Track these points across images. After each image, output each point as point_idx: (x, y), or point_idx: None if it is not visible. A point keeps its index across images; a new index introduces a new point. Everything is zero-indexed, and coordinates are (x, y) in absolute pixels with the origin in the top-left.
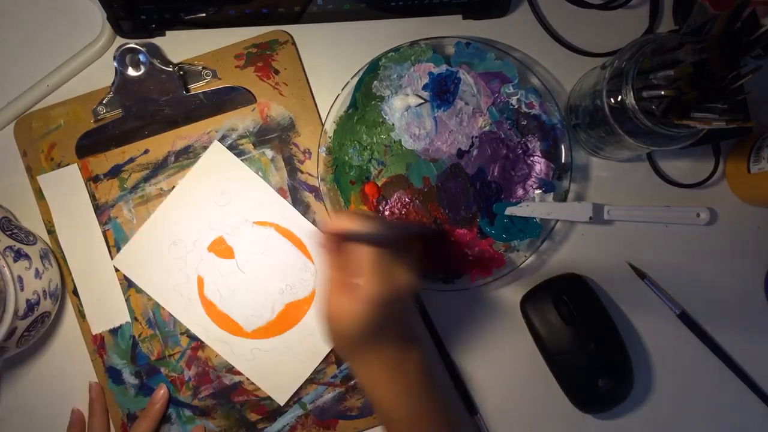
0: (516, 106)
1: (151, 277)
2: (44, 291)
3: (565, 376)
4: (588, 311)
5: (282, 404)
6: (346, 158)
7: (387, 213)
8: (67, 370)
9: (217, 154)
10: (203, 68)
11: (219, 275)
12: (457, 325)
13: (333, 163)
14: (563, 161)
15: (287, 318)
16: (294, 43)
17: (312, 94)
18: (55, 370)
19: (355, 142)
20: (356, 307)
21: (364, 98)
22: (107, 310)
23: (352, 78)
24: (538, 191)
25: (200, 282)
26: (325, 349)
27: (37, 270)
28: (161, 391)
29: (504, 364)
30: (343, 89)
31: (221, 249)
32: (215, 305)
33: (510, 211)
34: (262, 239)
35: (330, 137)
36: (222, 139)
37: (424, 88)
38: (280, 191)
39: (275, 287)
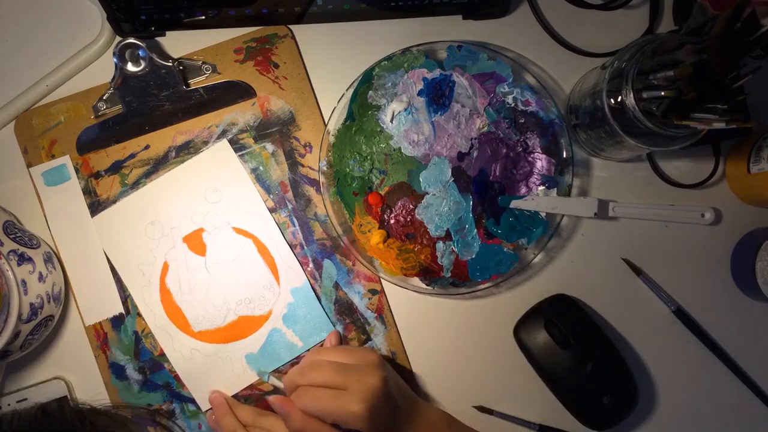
0: (512, 105)
1: (121, 247)
2: (48, 294)
3: (569, 398)
4: (580, 330)
5: (203, 411)
6: (348, 170)
7: (393, 221)
8: (71, 371)
9: (222, 152)
10: (203, 63)
11: (185, 267)
12: (462, 328)
13: (335, 176)
14: (564, 156)
15: (236, 329)
16: (293, 37)
17: (312, 88)
18: (58, 372)
19: (355, 153)
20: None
21: (361, 109)
22: (100, 301)
23: (347, 90)
24: (541, 187)
25: (165, 267)
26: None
27: (40, 274)
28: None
29: (505, 382)
30: (338, 102)
31: (195, 243)
32: (171, 295)
33: (515, 204)
34: (238, 247)
35: (330, 150)
36: (222, 134)
37: (419, 93)
38: (281, 185)
39: (234, 296)
